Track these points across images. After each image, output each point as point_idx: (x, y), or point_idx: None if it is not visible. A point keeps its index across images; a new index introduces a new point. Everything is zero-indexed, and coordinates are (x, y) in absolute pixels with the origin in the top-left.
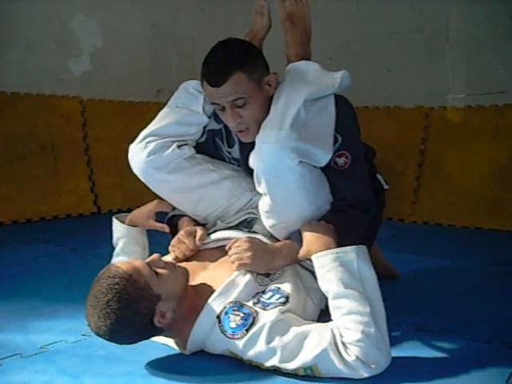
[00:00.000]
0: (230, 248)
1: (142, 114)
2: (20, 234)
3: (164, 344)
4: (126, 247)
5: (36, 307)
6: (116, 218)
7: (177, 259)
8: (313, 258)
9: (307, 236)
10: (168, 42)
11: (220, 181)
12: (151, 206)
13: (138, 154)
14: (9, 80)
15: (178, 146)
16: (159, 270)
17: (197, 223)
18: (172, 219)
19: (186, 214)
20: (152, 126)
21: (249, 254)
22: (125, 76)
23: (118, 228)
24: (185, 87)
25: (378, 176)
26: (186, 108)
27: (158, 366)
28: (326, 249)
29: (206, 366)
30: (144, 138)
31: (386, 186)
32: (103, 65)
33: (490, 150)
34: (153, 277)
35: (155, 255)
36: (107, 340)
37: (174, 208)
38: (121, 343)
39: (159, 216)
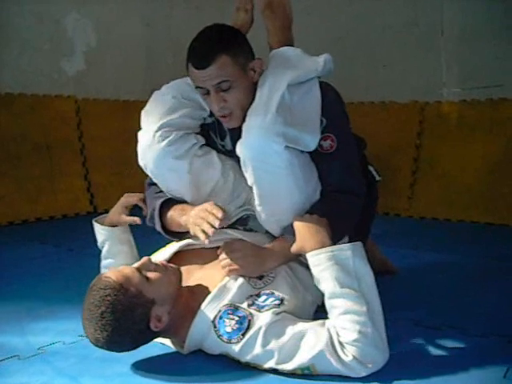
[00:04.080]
0: (220, 252)
1: (137, 112)
2: (16, 235)
3: (161, 343)
4: (112, 248)
5: (33, 308)
6: (95, 221)
7: (205, 236)
8: (307, 256)
9: (300, 232)
10: (162, 41)
11: (226, 172)
12: (119, 202)
13: (156, 143)
14: (2, 81)
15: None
16: (150, 274)
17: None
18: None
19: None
20: (164, 116)
21: (239, 259)
22: (119, 75)
23: (100, 231)
24: (185, 81)
25: (370, 168)
26: (194, 101)
27: (156, 365)
28: (321, 246)
29: (203, 365)
30: (160, 128)
31: (378, 178)
32: (97, 64)
33: (485, 144)
34: (144, 282)
35: (145, 258)
36: (107, 350)
37: (142, 200)
38: (121, 351)
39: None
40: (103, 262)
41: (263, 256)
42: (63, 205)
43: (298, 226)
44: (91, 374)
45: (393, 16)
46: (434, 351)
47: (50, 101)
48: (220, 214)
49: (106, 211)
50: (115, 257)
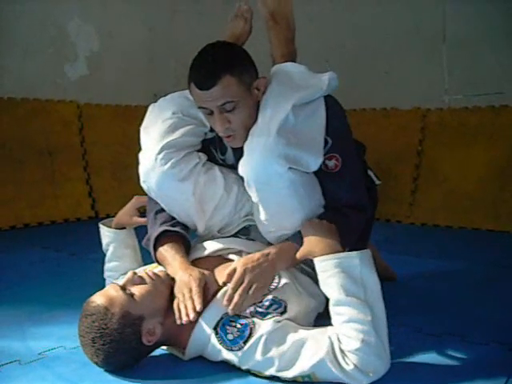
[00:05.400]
0: (227, 280)
1: (139, 118)
2: (18, 239)
3: (162, 348)
4: (117, 251)
5: (34, 313)
6: (102, 224)
7: (179, 317)
8: (315, 261)
9: (309, 236)
10: (165, 46)
11: (228, 186)
12: (131, 204)
13: (158, 166)
14: (5, 85)
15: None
16: (135, 290)
17: (184, 238)
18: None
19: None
20: (166, 136)
21: (255, 283)
22: (121, 80)
23: (106, 233)
24: (185, 95)
25: (369, 172)
26: (195, 118)
27: (157, 370)
28: (331, 251)
29: (203, 370)
30: (162, 150)
31: (377, 182)
32: (100, 69)
33: (486, 151)
34: (129, 301)
35: (129, 273)
36: (108, 371)
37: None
38: (123, 369)
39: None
40: (107, 265)
41: (272, 262)
42: (65, 209)
43: (308, 230)
44: (92, 380)
45: (394, 23)
46: (434, 359)
47: (52, 106)
48: (198, 307)
49: (108, 216)
50: (119, 260)
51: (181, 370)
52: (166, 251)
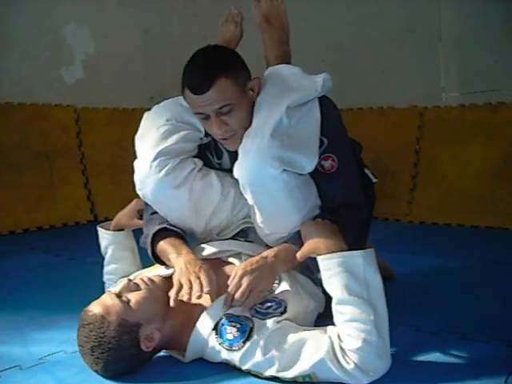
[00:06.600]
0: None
1: (136, 120)
2: (17, 244)
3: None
4: (115, 254)
5: (34, 318)
6: (100, 226)
7: (174, 299)
8: (319, 259)
9: (313, 234)
10: (161, 48)
11: (225, 190)
12: (131, 206)
13: (153, 174)
14: (2, 90)
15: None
16: (131, 296)
17: (183, 238)
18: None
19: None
20: (160, 143)
21: (254, 287)
22: (118, 83)
23: (105, 236)
24: (178, 102)
25: (366, 170)
26: (188, 124)
27: (157, 373)
28: (337, 248)
29: (204, 371)
30: (156, 157)
31: (374, 180)
32: (96, 72)
33: (484, 148)
34: (125, 308)
35: (124, 281)
36: (109, 379)
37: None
38: (124, 376)
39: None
40: (106, 268)
41: (271, 264)
42: (64, 213)
43: (310, 229)
44: None
45: (391, 22)
46: (434, 357)
47: (49, 110)
48: (207, 290)
49: (107, 219)
50: (118, 262)
51: (180, 372)
52: (169, 243)
